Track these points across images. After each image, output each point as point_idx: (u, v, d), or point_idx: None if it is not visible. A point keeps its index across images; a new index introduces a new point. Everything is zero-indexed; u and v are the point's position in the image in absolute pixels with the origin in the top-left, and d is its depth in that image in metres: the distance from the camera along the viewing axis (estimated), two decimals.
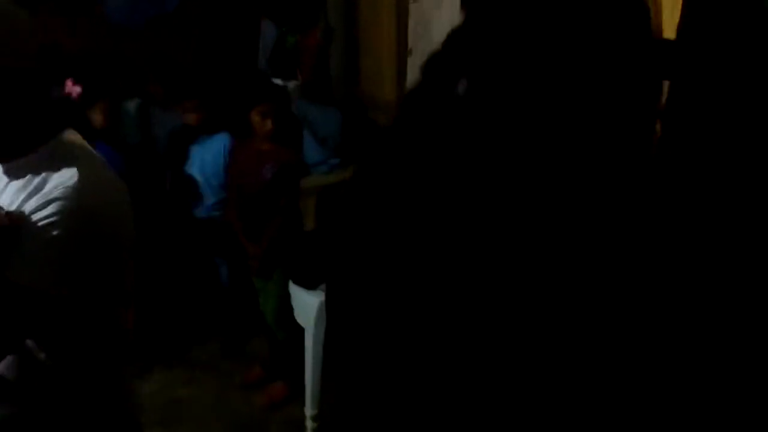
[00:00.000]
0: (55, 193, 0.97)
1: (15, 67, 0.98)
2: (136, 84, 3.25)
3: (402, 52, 3.12)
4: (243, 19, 3.77)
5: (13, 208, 1.00)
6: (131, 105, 3.14)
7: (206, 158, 2.76)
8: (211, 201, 2.77)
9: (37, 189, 1.00)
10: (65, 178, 0.99)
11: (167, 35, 3.58)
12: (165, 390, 2.66)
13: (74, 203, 0.96)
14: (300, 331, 2.29)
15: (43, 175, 1.01)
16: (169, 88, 2.96)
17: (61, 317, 0.97)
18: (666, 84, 1.08)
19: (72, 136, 1.09)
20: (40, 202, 0.97)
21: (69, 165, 1.01)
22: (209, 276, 2.99)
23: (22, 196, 1.01)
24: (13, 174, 1.04)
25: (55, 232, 0.95)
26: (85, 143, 1.10)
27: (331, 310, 0.91)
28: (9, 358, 0.97)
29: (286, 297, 2.35)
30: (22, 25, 1.00)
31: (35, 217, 0.96)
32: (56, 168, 1.01)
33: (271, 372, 2.68)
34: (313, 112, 3.17)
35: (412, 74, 3.10)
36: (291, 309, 2.34)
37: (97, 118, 2.59)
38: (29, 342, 0.97)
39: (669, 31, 1.63)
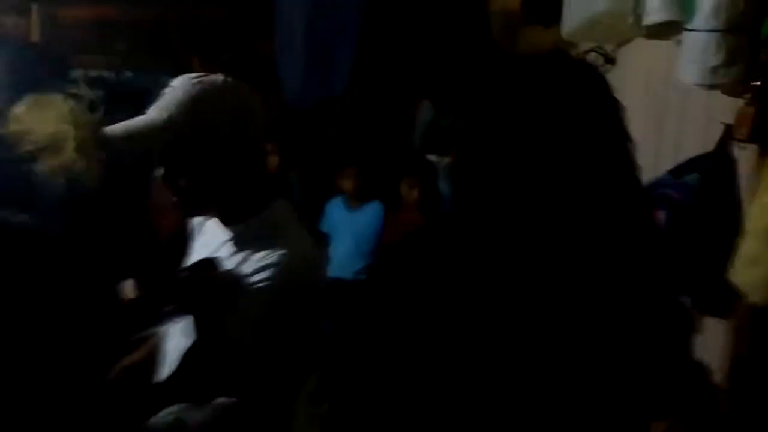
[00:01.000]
0: (268, 260, 1.07)
1: (252, 136, 1.12)
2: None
3: None
4: (403, 99, 4.01)
5: (228, 267, 1.10)
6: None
7: (359, 225, 2.89)
8: (360, 265, 2.88)
9: (252, 253, 1.10)
10: (276, 247, 1.09)
11: (335, 112, 3.89)
12: None
13: (283, 270, 1.06)
14: None
15: (256, 240, 1.12)
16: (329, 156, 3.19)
17: (259, 370, 1.04)
18: None
19: (281, 206, 1.19)
20: (256, 266, 1.08)
21: (278, 234, 1.12)
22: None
23: (239, 258, 1.11)
24: (229, 236, 1.15)
25: (266, 295, 1.05)
26: (292, 214, 1.21)
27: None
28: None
29: None
30: (254, 97, 1.15)
31: (251, 279, 1.06)
32: (268, 236, 1.12)
33: None
34: None
35: None
36: None
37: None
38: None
39: None
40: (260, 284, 1.06)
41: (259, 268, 1.07)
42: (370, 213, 2.86)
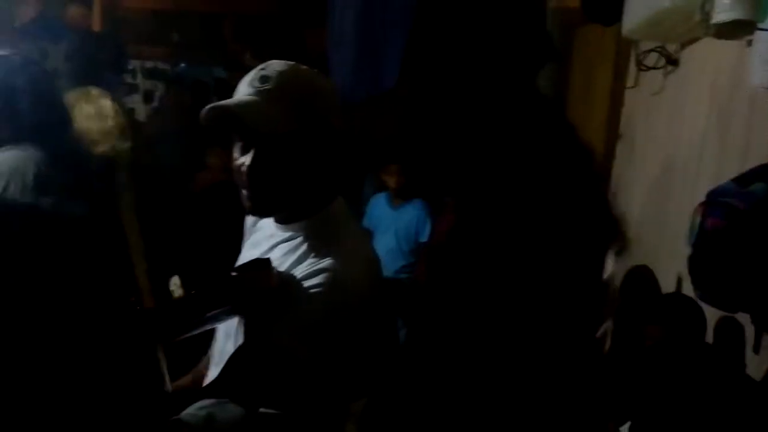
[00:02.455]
0: (322, 265, 0.99)
1: (335, 129, 1.04)
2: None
3: (611, 139, 2.99)
4: (449, 97, 3.94)
5: (282, 269, 1.03)
6: None
7: (401, 223, 2.86)
8: (401, 264, 2.85)
9: (306, 256, 1.03)
10: (332, 250, 1.01)
11: (382, 107, 3.86)
12: None
13: (338, 277, 0.98)
14: None
15: (312, 242, 1.04)
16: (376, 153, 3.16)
17: (305, 383, 0.97)
18: None
19: (339, 206, 1.11)
20: (309, 270, 0.99)
21: (335, 237, 1.04)
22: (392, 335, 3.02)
23: (292, 259, 1.04)
24: (283, 236, 1.08)
25: (318, 303, 0.96)
26: (349, 214, 1.13)
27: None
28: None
29: None
30: (333, 94, 1.07)
31: (304, 284, 0.98)
32: (325, 238, 1.04)
33: None
34: None
35: (621, 159, 2.94)
36: None
37: None
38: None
39: None
40: (312, 290, 0.97)
41: (311, 272, 0.99)
42: (413, 211, 2.82)
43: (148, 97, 4.20)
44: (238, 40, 4.51)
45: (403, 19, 3.49)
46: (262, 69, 1.02)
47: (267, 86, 1.00)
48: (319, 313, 0.95)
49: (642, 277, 2.43)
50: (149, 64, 4.54)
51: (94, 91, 2.28)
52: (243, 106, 0.99)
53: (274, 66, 1.02)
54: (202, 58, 4.48)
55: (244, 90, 1.02)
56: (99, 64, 2.59)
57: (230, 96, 1.04)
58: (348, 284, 0.98)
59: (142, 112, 4.19)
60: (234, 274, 1.02)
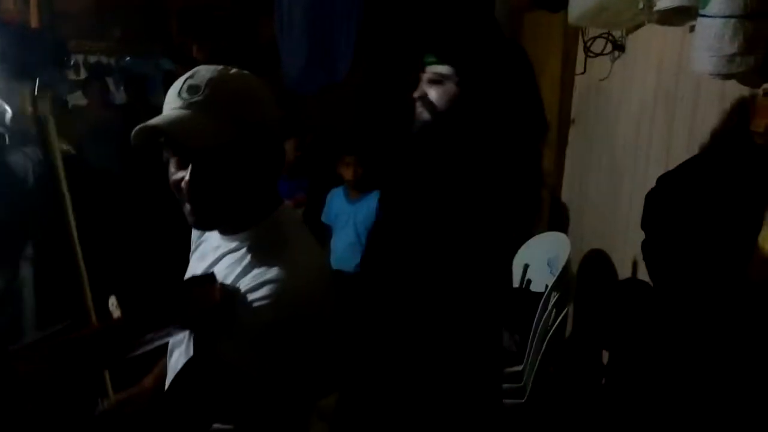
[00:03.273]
0: (267, 276, 0.96)
1: (273, 134, 1.00)
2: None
3: (564, 122, 3.04)
4: (403, 86, 3.92)
5: (227, 281, 1.01)
6: None
7: (360, 216, 2.84)
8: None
9: (252, 266, 1.00)
10: (278, 260, 0.98)
11: (333, 99, 3.82)
12: None
13: (285, 288, 0.94)
14: None
15: (258, 252, 1.01)
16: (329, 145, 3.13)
17: (255, 397, 0.95)
18: None
19: (285, 212, 1.08)
20: (254, 282, 0.96)
21: (282, 246, 1.01)
22: None
23: (237, 271, 1.01)
24: (228, 247, 1.05)
25: (263, 316, 0.93)
26: (298, 220, 1.10)
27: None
28: None
29: None
30: (268, 96, 1.02)
31: (249, 297, 0.95)
32: (270, 247, 1.00)
33: None
34: None
35: (574, 145, 2.99)
36: None
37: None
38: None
39: None
40: (257, 303, 0.94)
41: (256, 285, 0.96)
42: (371, 203, 2.80)
43: (87, 92, 4.05)
44: (183, 31, 4.39)
45: (353, 8, 3.45)
46: (190, 78, 0.98)
47: (196, 98, 0.96)
48: (264, 326, 0.93)
49: (598, 262, 2.48)
50: (93, 59, 4.38)
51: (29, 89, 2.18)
52: (172, 122, 0.95)
53: (202, 73, 0.98)
54: (149, 51, 4.34)
55: (173, 102, 0.97)
56: (38, 61, 2.49)
57: None
58: (293, 295, 0.95)
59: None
60: (177, 290, 0.99)
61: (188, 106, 0.96)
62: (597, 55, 2.57)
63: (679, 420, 1.48)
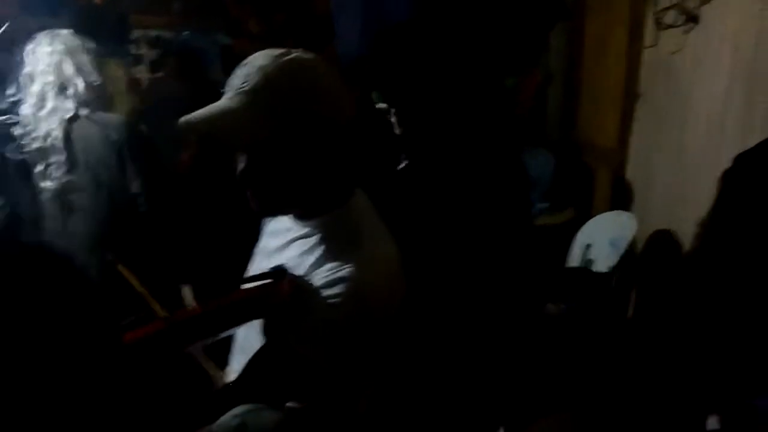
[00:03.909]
0: (340, 274, 0.94)
1: (335, 123, 0.96)
2: None
3: (629, 98, 2.93)
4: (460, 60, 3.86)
5: (298, 271, 1.00)
6: None
7: None
8: None
9: (324, 259, 0.98)
10: (351, 255, 0.96)
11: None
12: None
13: (357, 288, 0.93)
14: None
15: (331, 244, 0.99)
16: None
17: (322, 384, 0.95)
18: None
19: (359, 201, 1.05)
20: (327, 279, 0.95)
21: (355, 239, 0.98)
22: None
23: (310, 261, 0.99)
24: (299, 232, 1.03)
25: (336, 315, 0.93)
26: (371, 209, 1.07)
27: None
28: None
29: None
30: (339, 84, 0.98)
31: (322, 293, 0.95)
32: (343, 240, 0.98)
33: None
34: (525, 153, 3.11)
35: (642, 121, 2.89)
36: None
37: None
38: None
39: None
40: (330, 300, 0.94)
41: (330, 282, 0.95)
42: None
43: (153, 67, 4.13)
44: (239, 5, 4.41)
45: None
46: (244, 63, 0.95)
47: (245, 86, 0.93)
48: (336, 323, 0.93)
49: (665, 243, 2.41)
50: (153, 34, 4.46)
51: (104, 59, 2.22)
52: (213, 119, 0.92)
53: (256, 60, 0.94)
54: (207, 26, 4.39)
55: (228, 88, 0.95)
56: (102, 36, 2.54)
57: (235, 65, 0.96)
58: (365, 295, 0.94)
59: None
60: (249, 285, 1.00)
61: (237, 94, 0.93)
62: (668, 27, 2.46)
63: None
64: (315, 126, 0.94)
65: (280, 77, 0.93)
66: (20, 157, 1.77)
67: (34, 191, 1.80)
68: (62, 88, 1.78)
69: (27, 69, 1.78)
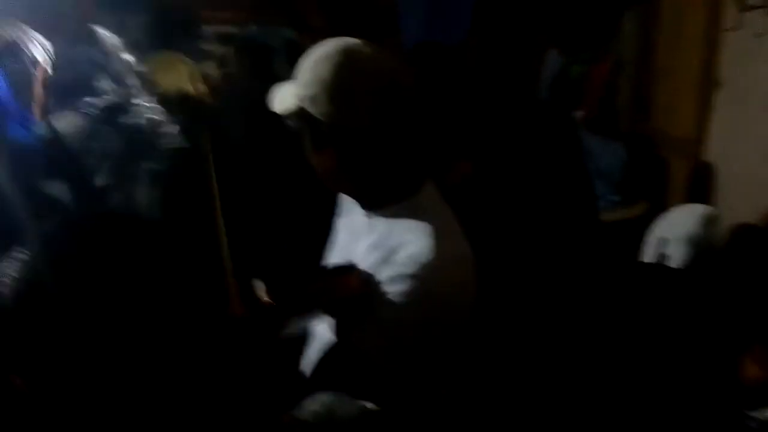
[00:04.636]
0: (410, 270, 0.93)
1: (403, 110, 0.97)
2: None
3: (707, 86, 2.78)
4: (527, 48, 3.76)
5: (365, 265, 1.00)
6: None
7: None
8: None
9: (392, 252, 0.97)
10: (420, 250, 0.94)
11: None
12: None
13: (426, 286, 0.93)
14: None
15: (400, 239, 0.98)
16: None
17: (389, 384, 0.95)
18: None
19: (429, 193, 1.05)
20: (395, 274, 0.95)
21: (424, 232, 0.96)
22: None
23: (378, 256, 0.99)
24: (369, 221, 1.04)
25: (403, 314, 0.93)
26: (440, 201, 1.06)
27: None
28: None
29: None
30: (406, 73, 0.99)
31: (389, 290, 0.94)
32: (413, 234, 0.97)
33: None
34: (596, 145, 3.00)
35: (721, 108, 2.74)
36: None
37: None
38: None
39: None
40: (399, 298, 0.93)
41: (398, 278, 0.94)
42: None
43: (223, 63, 4.22)
44: None
45: None
46: (307, 56, 0.97)
47: (307, 76, 0.97)
48: (402, 322, 0.93)
49: (750, 236, 2.28)
50: (222, 30, 4.56)
51: (175, 56, 2.27)
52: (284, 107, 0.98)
53: (319, 51, 0.97)
54: (272, 20, 4.46)
55: (295, 80, 0.99)
56: (174, 33, 2.59)
57: (299, 58, 0.99)
58: (433, 294, 0.93)
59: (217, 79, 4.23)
60: (319, 282, 1.01)
61: (299, 86, 0.97)
62: (754, 8, 2.31)
63: None
64: (379, 118, 0.94)
65: (341, 70, 0.94)
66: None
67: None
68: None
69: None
